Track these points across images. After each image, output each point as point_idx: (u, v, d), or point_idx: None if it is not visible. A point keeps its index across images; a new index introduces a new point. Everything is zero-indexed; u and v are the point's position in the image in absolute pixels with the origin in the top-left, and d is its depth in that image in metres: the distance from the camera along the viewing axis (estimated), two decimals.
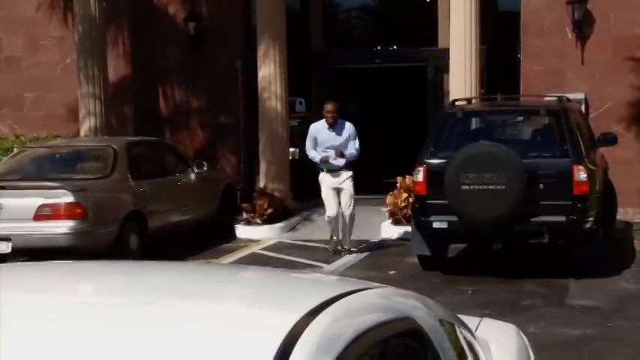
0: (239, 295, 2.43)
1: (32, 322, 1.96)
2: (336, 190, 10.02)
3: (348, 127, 10.02)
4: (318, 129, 10.13)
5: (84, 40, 12.66)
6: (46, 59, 14.35)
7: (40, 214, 8.98)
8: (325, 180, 10.05)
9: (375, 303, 2.36)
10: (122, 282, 2.52)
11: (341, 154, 9.89)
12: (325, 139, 10.00)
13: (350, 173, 10.05)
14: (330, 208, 10.08)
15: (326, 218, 10.26)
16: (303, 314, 1.96)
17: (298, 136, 13.56)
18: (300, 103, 14.74)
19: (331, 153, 9.90)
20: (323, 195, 10.11)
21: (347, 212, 10.05)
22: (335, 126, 9.99)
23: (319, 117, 10.65)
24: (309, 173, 10.87)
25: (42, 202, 8.98)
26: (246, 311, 2.16)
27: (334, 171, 10.00)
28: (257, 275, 2.88)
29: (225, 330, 1.93)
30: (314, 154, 10.15)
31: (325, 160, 9.96)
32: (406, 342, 2.30)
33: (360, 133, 10.16)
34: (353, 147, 9.96)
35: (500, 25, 13.38)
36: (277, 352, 1.76)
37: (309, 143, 10.16)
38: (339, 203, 10.06)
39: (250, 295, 2.44)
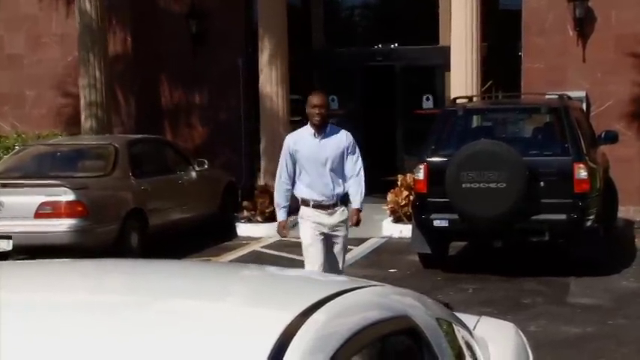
0: (234, 294, 2.43)
1: (32, 321, 1.96)
2: (324, 236, 6.34)
3: (345, 136, 6.40)
4: (297, 139, 6.44)
5: (85, 36, 12.66)
6: (47, 57, 14.37)
7: (41, 212, 8.99)
8: (310, 217, 6.35)
9: (370, 301, 2.36)
10: (121, 281, 2.54)
11: (357, 223, 6.39)
12: (308, 153, 6.33)
13: (346, 212, 6.41)
14: (313, 266, 6.27)
15: None
16: (298, 313, 1.96)
17: None
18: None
19: (317, 171, 6.31)
20: (304, 243, 6.37)
21: None
22: (323, 131, 6.34)
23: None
24: None
25: (43, 200, 8.99)
26: (242, 310, 2.17)
27: (325, 207, 6.33)
28: (253, 274, 2.88)
29: (220, 329, 1.93)
30: (279, 198, 6.52)
31: (284, 226, 6.45)
32: (402, 340, 2.29)
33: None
34: (354, 168, 6.36)
35: (502, 23, 13.36)
36: (272, 350, 1.76)
37: (282, 166, 6.48)
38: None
39: (246, 294, 2.44)
